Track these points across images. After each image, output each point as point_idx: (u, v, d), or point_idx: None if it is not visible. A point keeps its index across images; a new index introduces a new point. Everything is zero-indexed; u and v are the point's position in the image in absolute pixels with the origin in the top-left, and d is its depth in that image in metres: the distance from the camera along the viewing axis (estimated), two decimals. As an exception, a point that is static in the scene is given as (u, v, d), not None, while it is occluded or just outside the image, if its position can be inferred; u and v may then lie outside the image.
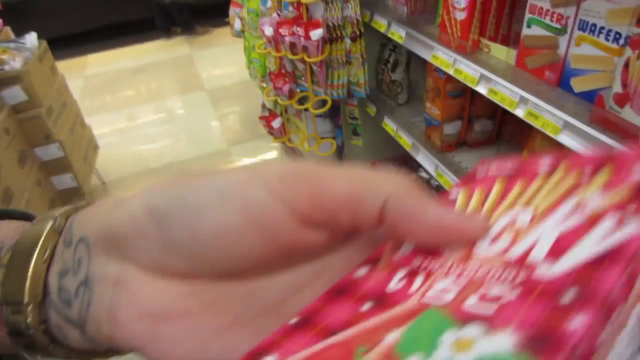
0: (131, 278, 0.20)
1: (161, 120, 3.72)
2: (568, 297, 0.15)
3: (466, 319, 0.16)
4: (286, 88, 1.60)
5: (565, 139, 0.86)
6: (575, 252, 0.17)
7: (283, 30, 1.46)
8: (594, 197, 0.19)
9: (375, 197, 0.19)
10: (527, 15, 0.96)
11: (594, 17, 0.82)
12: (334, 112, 1.80)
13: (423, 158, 1.43)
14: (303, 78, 1.59)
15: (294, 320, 0.20)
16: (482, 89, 1.04)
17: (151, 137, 3.49)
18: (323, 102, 1.63)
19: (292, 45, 1.48)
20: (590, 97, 0.87)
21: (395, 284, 0.20)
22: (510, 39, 1.11)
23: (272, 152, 3.15)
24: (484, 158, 0.26)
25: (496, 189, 0.23)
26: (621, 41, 0.78)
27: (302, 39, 1.42)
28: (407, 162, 1.92)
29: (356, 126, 1.74)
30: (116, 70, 4.53)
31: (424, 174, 1.69)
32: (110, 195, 2.90)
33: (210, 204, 0.19)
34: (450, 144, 1.38)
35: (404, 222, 0.19)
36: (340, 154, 1.86)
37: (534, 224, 0.19)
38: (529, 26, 0.96)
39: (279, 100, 1.65)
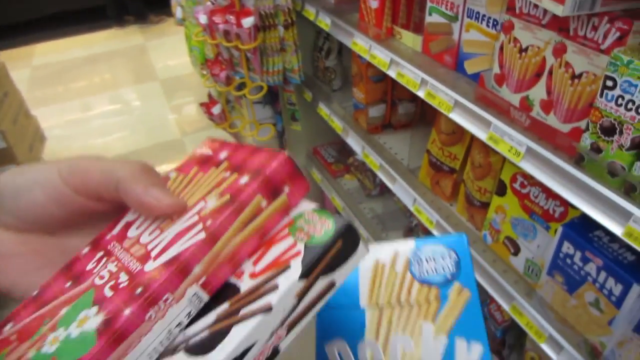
0: None
1: (113, 111, 3.68)
2: (139, 290, 0.24)
3: (97, 301, 0.25)
4: (223, 75, 1.64)
5: (456, 116, 0.94)
6: (168, 253, 0.25)
7: (217, 18, 1.51)
8: (212, 199, 0.27)
9: (112, 181, 0.29)
10: (429, 4, 1.04)
11: (477, 5, 0.90)
12: (274, 98, 1.85)
13: (352, 141, 1.51)
14: (239, 65, 1.64)
15: (34, 293, 0.29)
16: (392, 73, 1.12)
17: (103, 128, 3.45)
18: (261, 89, 1.68)
19: (226, 33, 1.52)
20: (478, 78, 0.96)
21: (91, 264, 0.29)
22: (422, 26, 1.20)
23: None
24: (210, 138, 0.35)
25: (190, 174, 0.32)
26: (498, 27, 0.87)
27: (234, 26, 1.46)
28: (345, 146, 2.00)
29: (294, 112, 1.80)
30: (66, 61, 4.43)
31: (359, 157, 1.77)
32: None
33: (27, 186, 0.31)
34: (376, 126, 1.46)
35: (125, 198, 0.29)
36: (281, 139, 1.92)
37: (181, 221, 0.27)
38: (430, 14, 1.04)
39: (217, 87, 1.70)
